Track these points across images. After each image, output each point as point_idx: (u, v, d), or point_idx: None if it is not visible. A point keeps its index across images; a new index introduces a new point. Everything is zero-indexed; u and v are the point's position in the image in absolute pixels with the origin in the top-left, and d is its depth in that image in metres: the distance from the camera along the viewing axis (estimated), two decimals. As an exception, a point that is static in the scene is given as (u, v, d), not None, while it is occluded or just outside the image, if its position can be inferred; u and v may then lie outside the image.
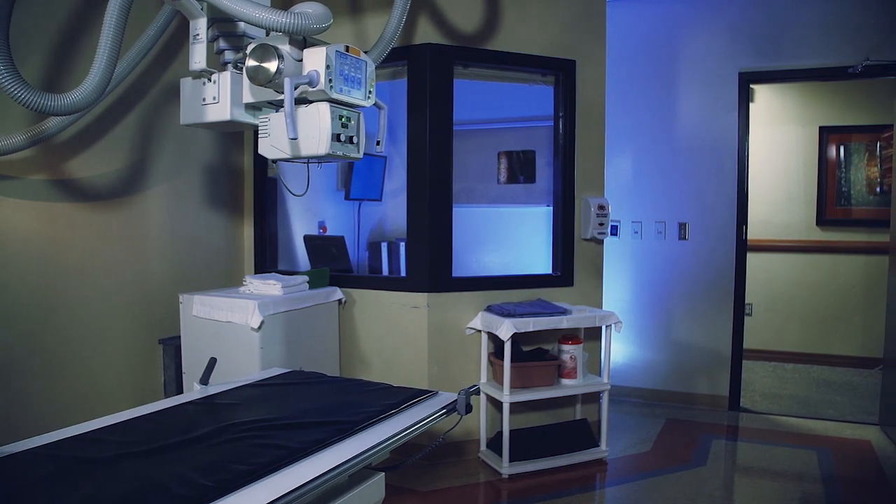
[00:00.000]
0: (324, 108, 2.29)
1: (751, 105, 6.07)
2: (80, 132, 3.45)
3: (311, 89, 2.23)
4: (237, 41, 2.45)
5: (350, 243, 5.31)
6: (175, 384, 3.94)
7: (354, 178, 5.17)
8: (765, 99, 6.96)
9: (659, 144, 5.55)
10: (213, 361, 2.70)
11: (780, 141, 6.98)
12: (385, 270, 5.00)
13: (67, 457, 1.86)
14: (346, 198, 5.26)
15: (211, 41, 2.46)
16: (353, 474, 2.03)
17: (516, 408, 4.20)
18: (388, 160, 5.36)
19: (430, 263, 4.11)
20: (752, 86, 5.45)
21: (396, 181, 4.82)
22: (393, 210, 5.29)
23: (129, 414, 2.31)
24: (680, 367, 5.55)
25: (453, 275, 4.26)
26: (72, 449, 1.93)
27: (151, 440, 1.98)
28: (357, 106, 2.42)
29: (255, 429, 2.09)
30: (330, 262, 4.71)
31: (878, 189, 6.75)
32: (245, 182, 4.64)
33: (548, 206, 4.64)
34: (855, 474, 4.14)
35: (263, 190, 4.61)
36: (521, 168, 5.05)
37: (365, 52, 2.56)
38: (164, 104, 3.88)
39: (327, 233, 5.22)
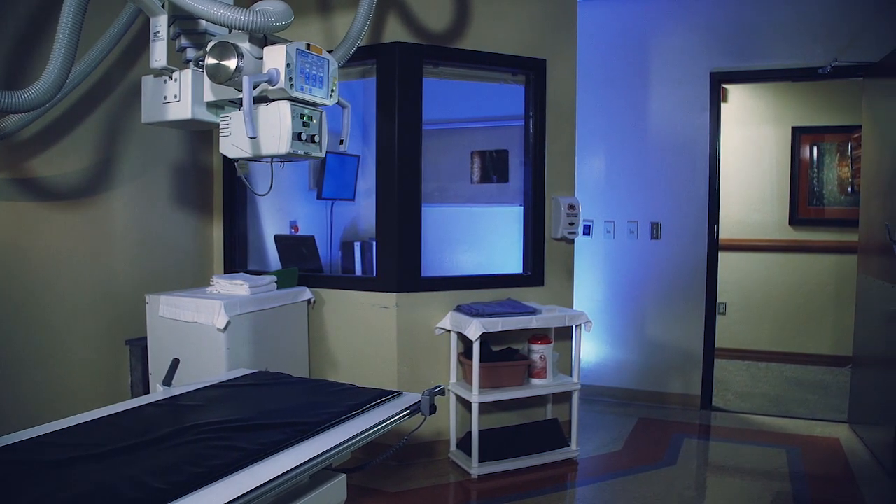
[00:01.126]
0: (284, 107, 2.27)
1: (725, 105, 6.10)
2: (44, 130, 3.40)
3: (271, 88, 2.22)
4: (199, 39, 2.42)
5: (323, 243, 5.28)
6: (142, 385, 3.90)
7: (327, 177, 5.14)
8: (738, 99, 7.00)
9: (631, 144, 5.56)
10: (175, 362, 2.68)
11: (754, 141, 7.02)
12: (358, 270, 4.98)
13: (22, 460, 1.84)
14: (319, 197, 5.23)
15: (173, 39, 2.44)
16: (314, 475, 2.02)
17: (486, 408, 4.20)
18: (362, 159, 5.34)
19: (399, 263, 4.10)
20: (726, 86, 5.47)
21: (370, 180, 4.79)
22: (366, 209, 5.27)
23: (88, 416, 2.28)
24: (653, 367, 5.57)
25: (424, 274, 4.25)
26: (27, 452, 1.91)
27: (108, 443, 1.95)
28: (319, 104, 2.41)
29: (215, 430, 2.07)
30: (300, 261, 4.69)
31: (849, 189, 6.81)
32: (214, 181, 4.60)
33: (521, 205, 4.63)
34: (823, 472, 4.17)
35: (233, 189, 4.58)
36: (493, 167, 5.05)
37: (330, 52, 2.55)
38: (130, 102, 3.84)
39: (299, 232, 5.19)
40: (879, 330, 4.36)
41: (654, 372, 5.57)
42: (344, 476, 2.24)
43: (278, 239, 4.85)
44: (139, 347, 3.88)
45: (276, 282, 3.97)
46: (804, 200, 7.00)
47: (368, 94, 4.35)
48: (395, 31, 4.06)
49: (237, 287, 3.75)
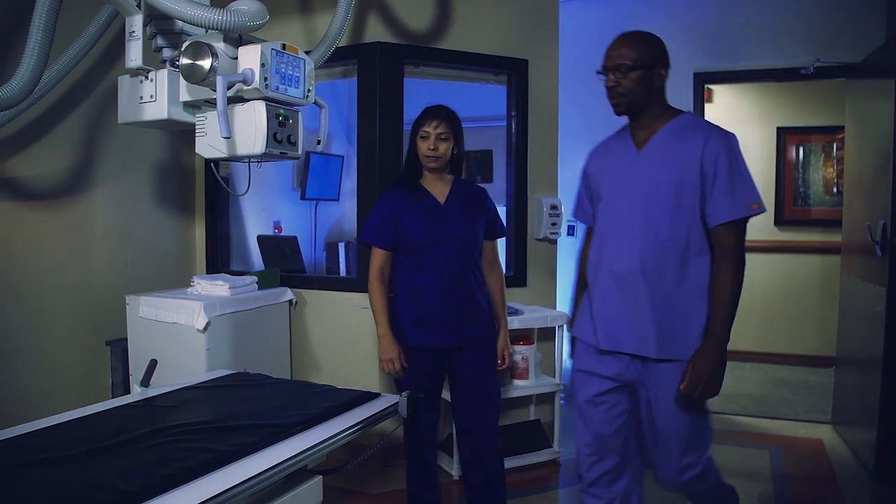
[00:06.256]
0: (259, 107, 2.26)
1: (710, 105, 6.11)
2: (23, 130, 3.38)
3: (246, 87, 2.21)
4: (175, 38, 2.41)
5: (307, 243, 5.27)
6: (123, 386, 3.88)
7: (310, 177, 5.13)
8: (724, 99, 7.01)
9: (616, 145, 5.56)
10: (153, 363, 2.67)
11: (740, 141, 6.99)
12: (342, 271, 4.97)
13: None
14: (303, 197, 5.21)
15: (149, 38, 2.43)
16: (289, 477, 2.01)
17: (469, 408, 4.19)
18: (346, 159, 5.33)
19: (379, 263, 4.08)
20: (711, 86, 5.47)
21: (354, 181, 4.79)
22: (351, 210, 5.24)
23: (61, 417, 2.27)
24: (637, 367, 5.55)
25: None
26: (-4, 454, 1.89)
27: (78, 444, 1.94)
28: (295, 104, 2.40)
29: (188, 432, 2.07)
30: (283, 262, 4.67)
31: (834, 189, 6.84)
32: (196, 181, 4.58)
33: (505, 205, 4.63)
34: (805, 473, 4.18)
35: (215, 189, 4.56)
36: (478, 167, 5.04)
37: (309, 52, 2.54)
38: (111, 102, 3.81)
39: (282, 233, 5.17)
40: (862, 331, 4.37)
41: (638, 372, 5.56)
42: (320, 478, 2.22)
43: (261, 239, 4.83)
44: (120, 348, 3.86)
45: (257, 282, 3.96)
46: (790, 201, 7.02)
47: (353, 95, 4.33)
48: (376, 31, 4.05)
49: (217, 288, 3.73)
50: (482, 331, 3.08)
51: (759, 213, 2.40)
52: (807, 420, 5.14)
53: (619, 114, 2.61)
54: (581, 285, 2.79)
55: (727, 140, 2.47)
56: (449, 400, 3.68)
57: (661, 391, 2.49)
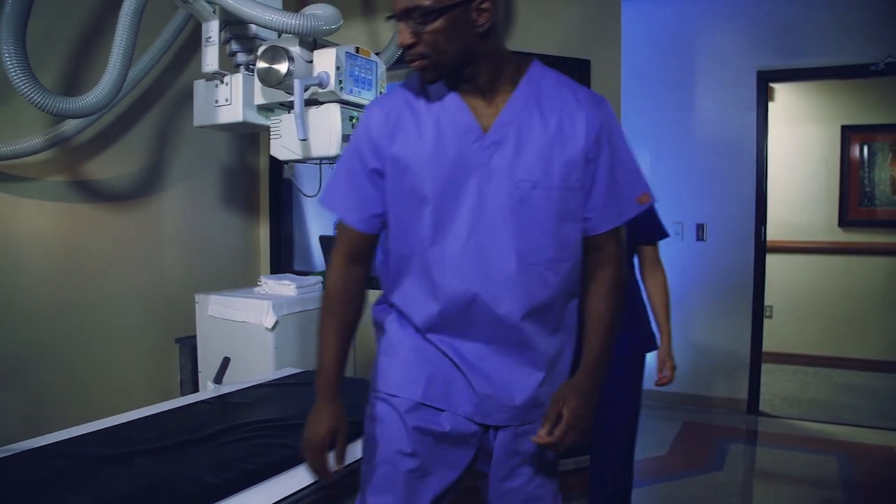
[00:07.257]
0: (334, 109, 2.31)
1: (771, 104, 6.01)
2: (99, 134, 3.48)
3: (321, 90, 2.25)
4: (249, 43, 2.47)
5: (367, 244, 5.30)
6: (191, 383, 3.97)
7: (371, 178, 5.16)
8: (785, 98, 6.88)
9: (676, 145, 5.50)
10: (226, 361, 2.73)
11: (802, 140, 6.90)
12: (402, 270, 4.99)
13: (80, 454, 1.89)
14: (363, 198, 5.25)
15: (224, 43, 2.49)
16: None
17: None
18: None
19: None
20: (772, 85, 5.39)
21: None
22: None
23: (142, 412, 2.34)
24: (698, 370, 5.49)
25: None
26: (85, 446, 1.96)
27: (163, 438, 2.01)
28: (367, 107, 2.44)
29: (265, 428, 2.11)
30: (346, 262, 4.71)
31: (902, 189, 6.67)
32: (261, 183, 4.66)
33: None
34: (876, 480, 4.08)
35: (279, 191, 4.63)
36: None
37: (377, 54, 2.57)
38: (181, 106, 3.91)
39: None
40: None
41: (699, 375, 5.50)
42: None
43: (323, 240, 4.89)
44: (189, 346, 3.95)
45: (321, 282, 4.01)
46: (854, 201, 6.85)
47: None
48: (439, 33, 4.06)
49: (285, 287, 3.79)
50: None
51: (650, 205, 1.71)
52: (875, 426, 5.01)
53: (430, 82, 1.61)
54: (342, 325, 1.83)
55: (604, 107, 1.67)
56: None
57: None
